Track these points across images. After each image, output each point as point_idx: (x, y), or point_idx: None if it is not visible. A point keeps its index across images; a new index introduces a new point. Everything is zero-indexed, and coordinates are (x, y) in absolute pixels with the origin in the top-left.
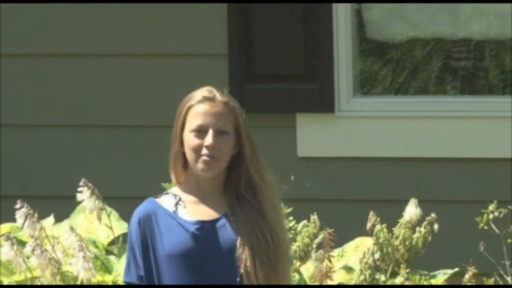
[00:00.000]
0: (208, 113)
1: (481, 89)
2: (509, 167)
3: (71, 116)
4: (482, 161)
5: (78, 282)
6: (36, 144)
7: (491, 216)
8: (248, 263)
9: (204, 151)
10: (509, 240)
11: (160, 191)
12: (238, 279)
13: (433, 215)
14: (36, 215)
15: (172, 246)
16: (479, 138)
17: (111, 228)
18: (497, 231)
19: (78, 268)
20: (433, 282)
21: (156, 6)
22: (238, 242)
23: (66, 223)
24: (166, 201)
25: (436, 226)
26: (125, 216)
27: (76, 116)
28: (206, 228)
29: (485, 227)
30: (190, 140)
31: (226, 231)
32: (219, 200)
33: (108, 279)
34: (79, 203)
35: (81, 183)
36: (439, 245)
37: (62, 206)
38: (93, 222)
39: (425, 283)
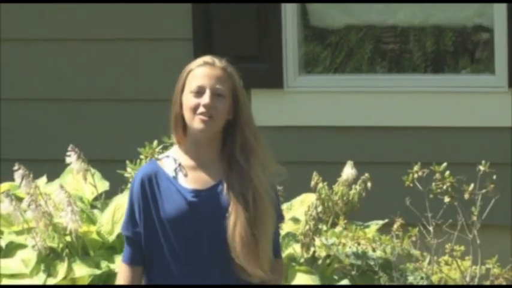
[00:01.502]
0: (207, 75)
1: (406, 68)
2: (431, 134)
3: (62, 92)
4: (408, 129)
5: (67, 232)
6: (32, 115)
7: (415, 175)
8: (230, 230)
9: (201, 109)
10: (431, 196)
11: (136, 155)
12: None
13: (366, 174)
14: (31, 176)
15: (171, 211)
16: (405, 109)
17: (95, 186)
18: (420, 188)
19: (67, 220)
20: (367, 231)
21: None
22: (229, 210)
23: (56, 182)
24: (167, 165)
25: (369, 184)
26: (107, 176)
27: (66, 91)
28: (202, 196)
29: (411, 185)
30: (189, 100)
31: (219, 199)
32: (215, 166)
33: (93, 229)
34: (67, 165)
35: (69, 149)
36: (372, 200)
37: (53, 167)
38: (79, 182)
39: (360, 232)
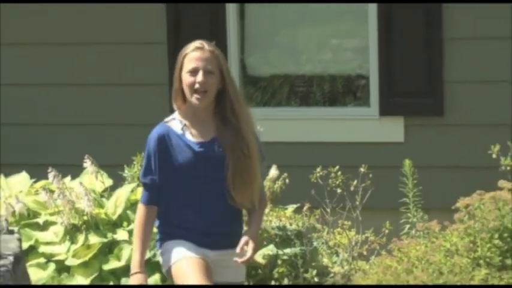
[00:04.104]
0: (199, 58)
1: (311, 103)
2: (328, 147)
3: (81, 119)
4: (313, 143)
5: (85, 213)
6: (61, 137)
7: (318, 174)
8: (231, 172)
9: (197, 86)
10: (328, 188)
11: (129, 162)
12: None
13: (285, 174)
14: (60, 175)
15: (183, 160)
16: (311, 130)
17: (103, 182)
18: (321, 183)
19: (84, 205)
20: (286, 212)
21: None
22: (226, 156)
23: (77, 180)
24: (175, 125)
25: (287, 180)
26: (111, 176)
27: (84, 118)
28: (205, 147)
29: (315, 181)
30: (186, 78)
31: (217, 148)
32: (211, 124)
33: (102, 212)
34: (84, 168)
35: (85, 157)
36: (289, 191)
37: (75, 170)
38: (93, 179)
39: (281, 212)
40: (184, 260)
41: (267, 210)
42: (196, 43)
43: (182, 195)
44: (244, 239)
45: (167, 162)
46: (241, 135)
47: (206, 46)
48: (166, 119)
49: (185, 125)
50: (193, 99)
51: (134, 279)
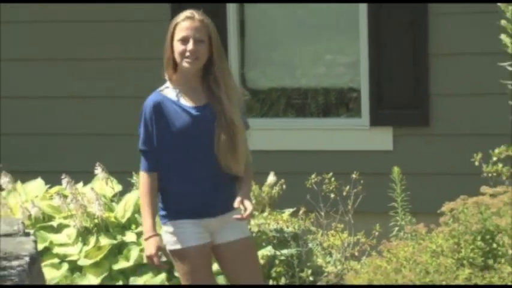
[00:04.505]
0: (189, 27)
1: (307, 114)
2: (319, 154)
3: (88, 129)
4: (308, 151)
5: (96, 217)
6: (73, 147)
7: (313, 180)
8: (217, 138)
9: (187, 54)
10: (322, 193)
11: (137, 169)
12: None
13: (282, 180)
14: (73, 181)
15: (181, 125)
16: (305, 139)
17: (113, 188)
18: (316, 188)
19: (95, 209)
20: (283, 215)
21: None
22: (215, 124)
23: (89, 186)
24: (169, 93)
25: (284, 186)
26: (120, 182)
27: (92, 129)
28: (201, 111)
29: (310, 186)
30: (178, 47)
31: (210, 113)
32: (200, 92)
33: (112, 215)
34: (95, 175)
35: (97, 165)
36: (286, 196)
37: (86, 176)
38: (103, 185)
39: (279, 216)
40: (192, 252)
41: (266, 214)
42: (187, 12)
43: (182, 167)
44: (238, 198)
45: (165, 129)
46: (221, 103)
47: (196, 15)
48: (160, 88)
49: (179, 91)
50: (184, 63)
51: (151, 243)
